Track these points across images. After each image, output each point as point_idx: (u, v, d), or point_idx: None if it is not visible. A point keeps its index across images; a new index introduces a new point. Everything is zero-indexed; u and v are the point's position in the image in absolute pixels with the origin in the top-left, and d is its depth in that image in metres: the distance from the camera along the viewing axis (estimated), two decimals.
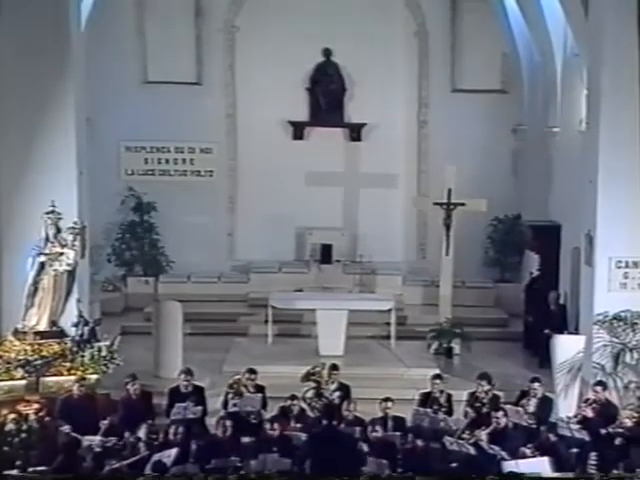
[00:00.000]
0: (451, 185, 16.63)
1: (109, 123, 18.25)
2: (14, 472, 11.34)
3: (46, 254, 12.69)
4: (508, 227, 19.04)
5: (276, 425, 11.56)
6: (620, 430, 11.58)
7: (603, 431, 11.69)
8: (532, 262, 17.53)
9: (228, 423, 11.45)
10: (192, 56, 19.16)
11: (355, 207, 19.62)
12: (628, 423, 11.63)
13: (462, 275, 17.74)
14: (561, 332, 14.12)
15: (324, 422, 11.37)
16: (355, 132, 19.45)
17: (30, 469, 11.38)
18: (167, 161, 19.31)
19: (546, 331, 14.53)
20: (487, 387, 12.45)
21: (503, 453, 11.13)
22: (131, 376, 12.43)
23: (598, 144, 13.72)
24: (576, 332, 14.38)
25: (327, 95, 19.36)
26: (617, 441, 11.58)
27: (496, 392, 12.66)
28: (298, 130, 19.42)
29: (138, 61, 19.03)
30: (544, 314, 15.54)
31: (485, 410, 12.16)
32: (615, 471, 11.53)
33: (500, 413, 11.77)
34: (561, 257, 16.32)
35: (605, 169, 13.69)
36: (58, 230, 12.83)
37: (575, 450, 11.64)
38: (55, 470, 10.64)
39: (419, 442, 11.42)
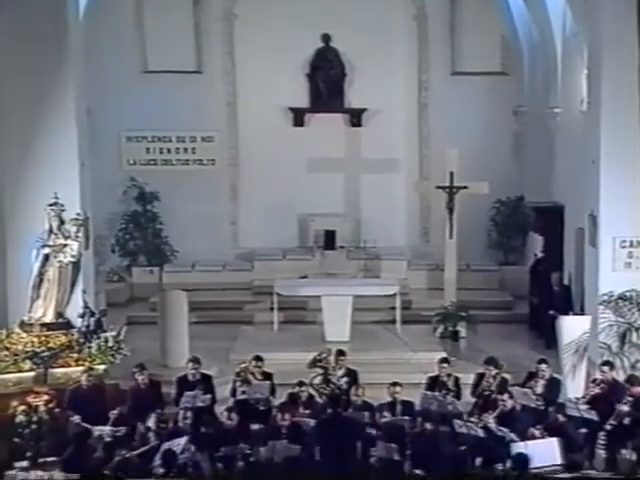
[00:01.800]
0: (453, 168, 16.62)
1: (110, 114, 18.20)
2: (24, 463, 11.42)
3: (50, 246, 12.72)
4: (511, 209, 19.02)
5: (285, 412, 11.60)
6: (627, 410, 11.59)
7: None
8: (536, 244, 17.52)
9: (236, 411, 11.49)
10: (191, 45, 19.11)
11: (357, 192, 19.61)
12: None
13: (466, 258, 17.74)
14: (566, 313, 14.12)
15: (332, 408, 11.36)
16: (356, 117, 19.40)
17: (40, 460, 11.48)
18: (169, 150, 19.28)
19: (551, 312, 14.54)
20: (494, 371, 12.44)
21: (512, 435, 11.16)
22: (139, 366, 12.46)
23: (600, 124, 13.69)
24: (581, 313, 14.39)
25: (327, 81, 19.32)
26: (626, 421, 11.62)
27: (504, 375, 12.66)
28: (298, 116, 19.39)
29: (137, 51, 18.98)
30: (549, 295, 15.53)
31: (494, 395, 12.14)
32: (624, 450, 11.61)
33: (506, 396, 11.79)
34: (565, 238, 16.30)
35: (607, 149, 13.66)
36: (61, 222, 12.86)
37: (584, 430, 11.69)
38: (65, 460, 10.68)
39: (428, 426, 11.44)
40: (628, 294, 13.63)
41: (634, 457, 11.60)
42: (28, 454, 11.51)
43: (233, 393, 12.54)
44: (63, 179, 13.29)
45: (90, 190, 14.36)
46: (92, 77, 15.67)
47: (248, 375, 12.63)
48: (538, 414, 11.81)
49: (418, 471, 10.60)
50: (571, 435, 11.35)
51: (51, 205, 12.76)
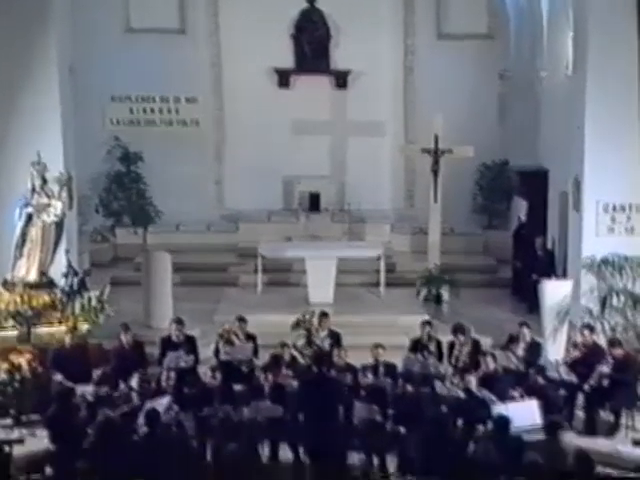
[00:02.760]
0: (438, 132, 16.60)
1: (93, 73, 17.98)
2: (8, 421, 11.46)
3: (33, 205, 12.65)
4: (495, 173, 19.03)
5: (268, 373, 11.65)
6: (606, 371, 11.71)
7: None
8: (520, 208, 17.56)
9: (218, 371, 11.53)
10: (175, 3, 18.97)
11: (342, 155, 19.57)
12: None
13: (450, 222, 17.77)
14: (549, 277, 14.18)
15: (315, 369, 11.41)
16: (341, 79, 19.32)
17: (24, 417, 11.51)
18: (152, 111, 19.16)
19: (534, 276, 14.61)
20: (463, 339, 12.47)
21: (493, 397, 11.26)
22: (124, 325, 12.47)
23: (585, 88, 13.68)
24: (564, 277, 14.47)
25: (312, 42, 19.20)
26: (605, 382, 11.73)
27: (475, 338, 12.71)
28: (284, 78, 19.28)
29: (121, 8, 18.78)
30: (532, 259, 15.61)
31: (467, 361, 12.20)
32: (602, 412, 11.75)
33: (489, 358, 11.87)
34: (549, 202, 16.33)
35: (592, 113, 13.65)
36: (44, 181, 12.78)
37: (563, 392, 11.81)
38: (49, 418, 10.72)
39: (409, 387, 11.52)
40: (610, 258, 13.69)
41: (612, 418, 11.77)
42: (11, 412, 11.56)
43: (216, 354, 12.58)
44: (46, 138, 13.22)
45: (73, 149, 14.28)
46: (75, 35, 15.46)
47: (231, 336, 12.66)
48: (519, 376, 11.91)
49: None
50: (551, 397, 11.47)
51: (34, 164, 12.67)
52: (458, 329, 12.57)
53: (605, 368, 11.72)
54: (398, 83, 19.42)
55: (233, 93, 19.18)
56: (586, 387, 11.77)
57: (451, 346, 12.52)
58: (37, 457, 9.94)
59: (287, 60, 19.24)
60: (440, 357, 12.50)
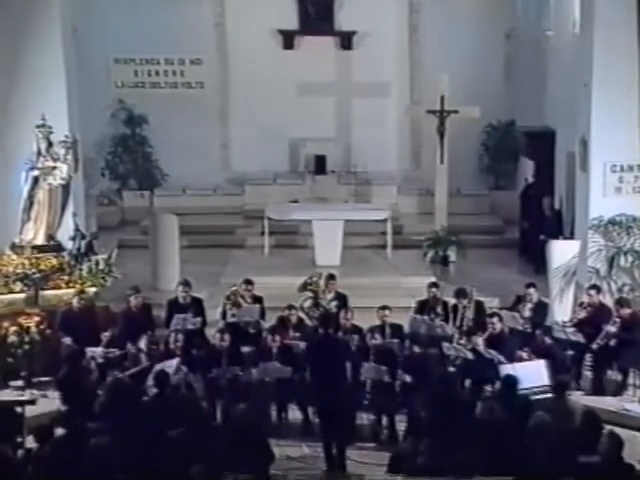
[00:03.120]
0: (444, 92, 16.50)
1: (97, 34, 17.91)
2: (19, 383, 11.56)
3: (39, 168, 12.63)
4: (502, 134, 18.94)
5: (275, 335, 11.70)
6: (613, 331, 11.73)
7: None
8: (527, 168, 17.50)
9: (227, 333, 11.58)
10: None
11: (348, 117, 19.47)
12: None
13: (457, 183, 17.72)
14: (556, 237, 14.17)
15: (323, 329, 11.44)
16: (346, 40, 19.17)
17: (34, 379, 11.60)
18: (157, 73, 19.06)
19: (541, 237, 14.60)
20: (465, 302, 12.45)
21: (500, 357, 11.29)
22: (134, 288, 12.49)
23: (592, 46, 13.54)
24: (571, 237, 14.45)
25: (316, 3, 19.03)
26: (612, 342, 11.76)
27: (478, 299, 12.71)
28: (288, 39, 19.15)
29: None
30: (539, 220, 15.59)
31: (470, 324, 12.20)
32: (610, 371, 11.79)
33: (495, 319, 11.88)
34: (556, 162, 16.28)
35: (599, 72, 13.53)
36: (50, 144, 12.75)
37: (570, 352, 11.85)
38: (59, 380, 10.79)
39: (416, 349, 11.56)
40: (618, 219, 13.66)
41: (619, 378, 11.81)
42: (22, 374, 11.65)
43: (223, 316, 12.59)
44: (50, 101, 13.15)
45: (78, 112, 14.21)
46: None
47: (238, 298, 12.68)
48: (525, 337, 11.93)
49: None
50: (558, 357, 11.51)
51: (39, 127, 12.62)
52: (460, 293, 12.53)
53: (612, 328, 11.75)
54: (403, 43, 19.27)
55: (237, 55, 19.07)
56: (593, 347, 11.80)
57: (454, 309, 12.50)
58: (49, 418, 9.99)
59: (291, 21, 19.09)
60: (447, 318, 12.50)
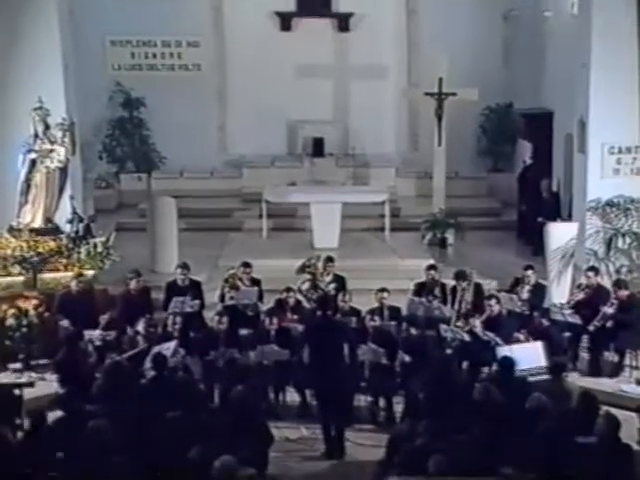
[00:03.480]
0: (442, 74, 16.45)
1: (93, 16, 17.81)
2: (18, 365, 11.58)
3: (36, 151, 12.63)
4: (500, 116, 18.91)
5: (273, 317, 11.71)
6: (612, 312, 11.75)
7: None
8: (525, 150, 17.49)
9: (225, 316, 11.59)
10: None
11: (346, 99, 19.43)
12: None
13: (455, 166, 17.70)
14: (554, 219, 14.17)
15: (321, 311, 11.46)
16: (343, 22, 19.11)
17: (33, 362, 11.63)
18: (154, 55, 19.00)
19: (539, 219, 14.59)
20: (465, 284, 12.45)
21: (497, 339, 11.31)
22: (134, 272, 12.47)
23: (591, 27, 13.51)
24: (569, 219, 14.46)
25: None
26: (609, 323, 11.78)
27: (477, 281, 12.71)
28: (285, 21, 19.08)
29: None
30: (537, 202, 15.58)
31: (469, 306, 12.21)
32: (607, 353, 11.82)
33: (493, 301, 11.89)
34: (554, 144, 16.27)
35: (598, 53, 13.51)
36: (47, 126, 12.74)
37: (568, 334, 11.87)
38: (58, 363, 10.81)
39: (413, 331, 11.57)
40: (615, 200, 13.68)
41: (616, 359, 11.84)
42: (20, 356, 11.67)
43: (221, 299, 12.60)
44: (47, 83, 13.11)
45: (75, 95, 14.17)
46: None
47: (236, 281, 12.68)
48: (523, 319, 11.95)
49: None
50: (555, 338, 11.53)
51: (36, 109, 12.61)
52: (459, 275, 12.52)
53: (609, 309, 11.76)
54: (401, 25, 19.20)
55: (235, 37, 19.00)
56: (590, 328, 11.82)
57: (453, 291, 12.51)
58: (46, 400, 10.04)
59: (288, 3, 19.02)
60: (445, 301, 12.52)
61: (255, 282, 12.76)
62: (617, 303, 11.82)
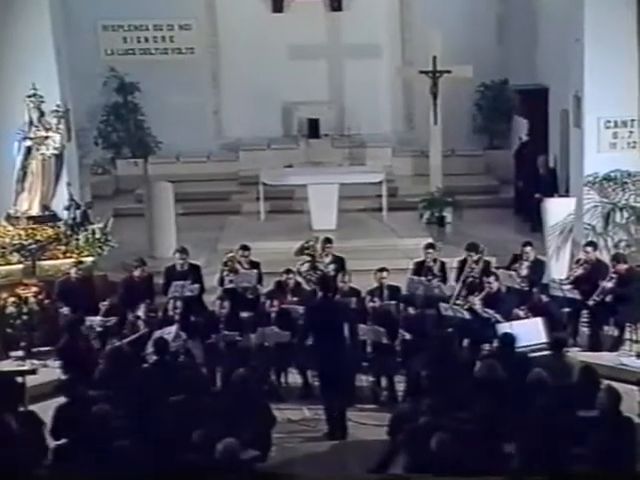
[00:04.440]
0: (436, 52, 16.36)
1: (84, 1, 17.74)
2: (19, 353, 11.61)
3: (32, 138, 12.58)
4: (495, 93, 18.84)
5: (273, 299, 11.72)
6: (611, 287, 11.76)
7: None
8: (521, 127, 17.44)
9: (227, 300, 11.60)
10: None
11: (340, 79, 19.36)
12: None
13: (451, 144, 17.63)
14: (552, 195, 14.15)
15: (320, 294, 11.49)
16: (335, 1, 19.00)
17: (34, 349, 11.65)
18: (147, 39, 18.91)
19: (537, 195, 14.57)
20: (476, 257, 12.46)
21: (497, 316, 11.34)
22: (139, 261, 12.43)
23: (583, 1, 13.46)
24: (566, 195, 14.45)
25: None
26: (608, 298, 11.80)
27: (486, 258, 12.72)
28: (277, 2, 18.97)
29: None
30: (534, 179, 15.56)
31: (478, 280, 12.22)
32: (606, 327, 11.84)
33: (492, 278, 11.89)
34: (550, 120, 16.23)
35: (591, 27, 13.47)
36: (41, 113, 12.69)
37: (567, 310, 11.89)
38: (60, 349, 10.83)
39: (411, 310, 11.58)
40: (613, 174, 13.68)
41: (616, 333, 11.88)
42: (22, 344, 11.69)
43: (221, 282, 12.61)
44: (40, 69, 13.06)
45: (69, 81, 14.12)
46: None
47: (235, 264, 12.68)
48: (522, 295, 11.97)
49: None
50: (555, 314, 11.55)
51: (30, 97, 12.56)
52: (472, 247, 12.49)
53: (608, 284, 11.78)
54: (394, 3, 19.11)
55: (227, 20, 18.91)
56: (590, 303, 11.85)
57: (462, 263, 12.46)
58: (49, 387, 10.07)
59: None
60: (444, 279, 12.54)
61: (254, 265, 12.76)
62: (616, 277, 11.83)
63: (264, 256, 13.09)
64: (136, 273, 12.29)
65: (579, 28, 13.59)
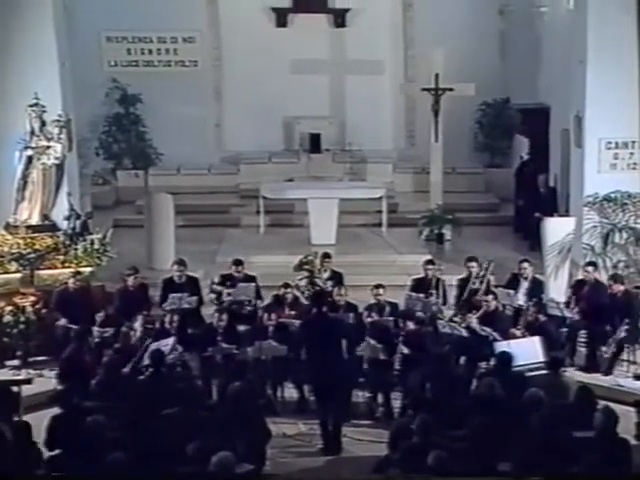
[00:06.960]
0: (438, 70, 16.44)
1: (88, 12, 17.76)
2: (15, 362, 11.58)
3: (33, 148, 12.60)
4: (497, 111, 18.89)
5: (271, 313, 11.70)
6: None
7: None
8: (522, 146, 17.49)
9: (224, 313, 11.58)
10: None
11: (342, 95, 19.41)
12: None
13: (452, 161, 17.66)
14: (551, 215, 14.15)
15: (317, 307, 11.46)
16: (339, 17, 19.07)
17: (30, 359, 11.62)
18: (150, 51, 18.97)
19: (536, 214, 14.58)
20: (476, 268, 12.48)
21: (495, 334, 11.31)
22: (132, 269, 12.46)
23: (586, 22, 13.51)
24: (566, 214, 14.44)
25: None
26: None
27: (489, 277, 12.69)
28: (281, 17, 19.05)
29: None
30: (534, 197, 15.58)
31: (479, 294, 12.20)
32: (604, 348, 11.82)
33: (490, 296, 11.89)
34: (551, 140, 16.26)
35: (594, 48, 13.51)
36: (43, 123, 12.71)
37: (565, 329, 11.87)
38: (66, 359, 10.74)
39: (411, 326, 11.55)
40: (613, 195, 13.68)
41: (613, 353, 11.84)
42: (18, 353, 11.66)
43: (218, 297, 12.56)
44: (43, 80, 13.05)
45: (71, 92, 14.14)
46: None
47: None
48: (520, 314, 11.93)
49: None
50: (552, 334, 11.53)
51: (32, 106, 12.57)
52: (472, 259, 12.56)
53: (622, 334, 11.64)
54: (397, 20, 19.17)
55: (230, 33, 18.97)
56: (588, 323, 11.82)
57: (463, 281, 12.43)
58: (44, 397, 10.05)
59: None
60: (444, 297, 12.50)
61: (250, 278, 12.69)
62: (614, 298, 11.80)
63: (263, 269, 13.09)
64: (129, 282, 12.28)
65: (582, 49, 13.63)
